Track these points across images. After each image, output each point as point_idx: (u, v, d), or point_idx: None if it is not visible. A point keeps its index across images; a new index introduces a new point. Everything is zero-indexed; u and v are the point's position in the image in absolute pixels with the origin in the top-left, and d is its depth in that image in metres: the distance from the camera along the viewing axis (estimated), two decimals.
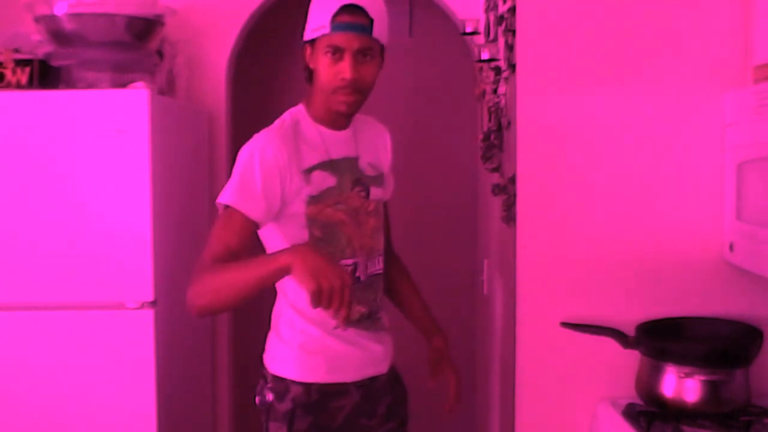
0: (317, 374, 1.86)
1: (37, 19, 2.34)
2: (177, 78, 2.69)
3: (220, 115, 2.89)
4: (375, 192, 1.93)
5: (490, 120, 2.37)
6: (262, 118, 3.49)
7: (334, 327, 1.82)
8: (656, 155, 1.96)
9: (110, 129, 2.18)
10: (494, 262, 2.65)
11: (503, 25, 2.11)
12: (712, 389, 1.80)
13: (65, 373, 2.22)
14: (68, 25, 2.31)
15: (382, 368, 1.95)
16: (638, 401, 1.90)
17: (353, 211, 1.88)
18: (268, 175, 1.78)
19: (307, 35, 1.81)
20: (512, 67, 2.04)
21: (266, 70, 3.45)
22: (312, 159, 1.83)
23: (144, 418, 2.22)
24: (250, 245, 1.81)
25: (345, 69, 1.76)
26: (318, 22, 1.77)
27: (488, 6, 2.34)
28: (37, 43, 2.39)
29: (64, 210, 2.21)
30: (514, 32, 2.02)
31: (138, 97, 2.19)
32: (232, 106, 2.98)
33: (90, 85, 2.35)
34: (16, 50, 2.37)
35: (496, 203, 2.29)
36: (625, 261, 1.98)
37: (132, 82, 2.32)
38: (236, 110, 3.08)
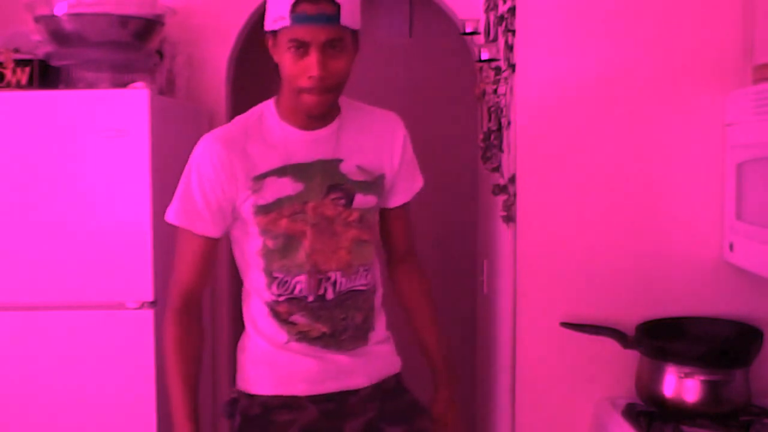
0: (262, 386, 1.73)
1: (37, 19, 2.34)
2: (177, 78, 2.69)
3: (220, 115, 2.88)
4: (361, 199, 1.70)
5: (490, 120, 2.37)
6: None
7: (285, 342, 1.71)
8: (656, 155, 1.96)
9: (110, 129, 2.18)
10: (494, 262, 2.65)
11: (503, 25, 2.11)
12: (712, 389, 1.80)
13: (65, 373, 2.22)
14: (68, 25, 2.31)
15: (355, 382, 1.73)
16: (638, 401, 1.90)
17: (325, 220, 1.68)
18: (208, 188, 1.65)
19: (267, 25, 1.59)
20: (512, 67, 2.04)
21: (266, 70, 3.45)
22: (266, 165, 1.65)
23: (144, 418, 2.21)
24: (213, 254, 1.76)
25: (311, 66, 1.54)
26: (277, 11, 1.55)
27: (488, 6, 2.34)
28: (37, 43, 2.39)
29: (64, 210, 2.21)
30: (514, 32, 2.02)
31: (138, 97, 2.19)
32: (232, 106, 2.98)
33: (90, 85, 2.35)
34: (16, 50, 2.37)
35: (496, 203, 2.29)
36: (625, 261, 1.98)
37: (132, 82, 2.32)
38: (236, 110, 3.07)
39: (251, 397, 1.73)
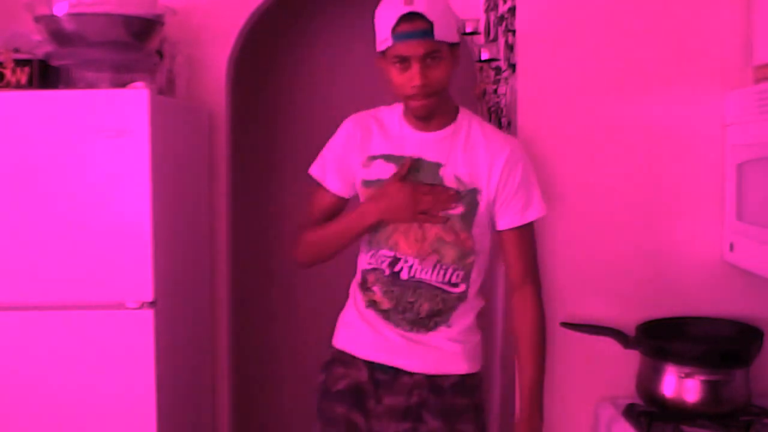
0: (337, 340, 2.00)
1: (37, 19, 2.34)
2: (177, 78, 2.68)
3: (220, 115, 2.88)
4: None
5: (490, 120, 2.37)
6: (262, 118, 3.51)
7: (364, 307, 1.94)
8: (656, 155, 1.96)
9: (110, 129, 2.18)
10: (494, 262, 2.64)
11: (503, 25, 2.11)
12: (712, 389, 1.80)
13: (65, 373, 2.22)
14: (68, 25, 2.31)
15: (407, 364, 1.90)
16: (638, 401, 1.90)
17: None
18: (340, 150, 1.94)
19: (378, 47, 1.84)
20: (512, 67, 2.04)
21: (266, 70, 3.45)
22: (380, 149, 1.90)
23: (144, 418, 2.21)
24: (333, 211, 1.98)
25: (414, 76, 1.78)
26: (382, 34, 1.80)
27: (488, 6, 2.34)
28: (37, 43, 2.39)
29: (63, 210, 2.21)
30: (514, 32, 2.02)
31: (138, 97, 2.19)
32: (232, 106, 2.98)
33: (90, 85, 2.34)
34: (16, 50, 2.37)
35: None
36: (626, 261, 1.98)
37: (132, 82, 2.31)
38: (236, 110, 3.08)
39: (330, 347, 2.01)
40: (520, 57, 2.00)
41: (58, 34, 2.33)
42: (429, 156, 1.87)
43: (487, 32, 2.35)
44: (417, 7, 1.74)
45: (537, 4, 1.97)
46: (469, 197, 1.86)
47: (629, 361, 1.93)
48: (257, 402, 3.52)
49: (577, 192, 1.98)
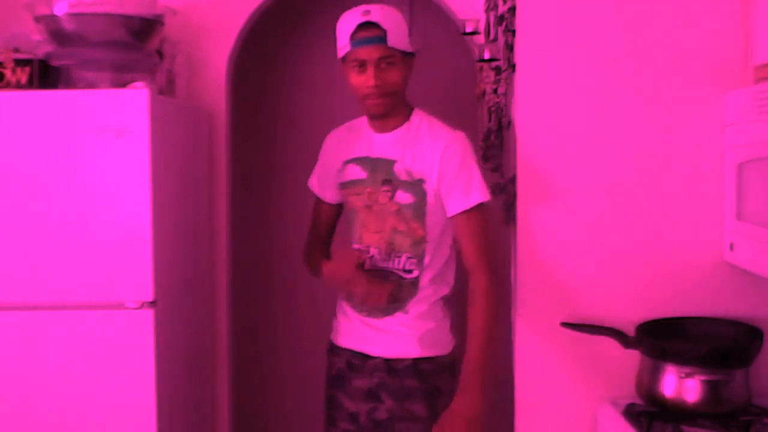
0: (332, 332, 2.26)
1: (37, 19, 2.34)
2: (177, 78, 2.68)
3: (220, 115, 2.88)
4: (401, 195, 2.08)
5: (490, 120, 2.37)
6: (262, 118, 3.51)
7: (342, 298, 2.21)
8: (656, 155, 1.96)
9: (110, 129, 2.18)
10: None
11: (503, 25, 2.11)
12: (712, 389, 1.80)
13: (65, 373, 2.22)
14: (68, 25, 2.30)
15: (367, 348, 2.13)
16: (638, 401, 1.90)
17: (377, 205, 2.11)
18: (324, 163, 2.26)
19: (338, 54, 2.05)
20: (512, 67, 2.04)
21: (266, 70, 3.45)
22: (352, 154, 2.17)
23: (144, 418, 2.21)
24: (330, 216, 2.29)
25: (369, 78, 2.00)
26: (342, 41, 2.02)
27: (488, 6, 2.34)
28: (37, 43, 2.38)
29: (63, 210, 2.20)
30: (514, 32, 2.02)
31: (138, 97, 2.19)
32: (232, 106, 2.98)
33: (90, 85, 2.34)
34: (16, 50, 2.36)
35: (496, 203, 2.29)
36: (625, 261, 1.98)
37: (132, 82, 2.31)
38: (236, 110, 3.08)
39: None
40: (520, 57, 2.00)
41: (58, 34, 2.32)
42: (386, 154, 2.10)
43: (487, 32, 2.34)
44: (373, 17, 1.97)
45: (537, 4, 1.97)
46: (417, 187, 2.06)
47: (629, 361, 1.93)
48: (257, 402, 3.52)
49: (577, 192, 1.98)
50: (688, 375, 1.80)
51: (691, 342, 1.89)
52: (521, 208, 2.02)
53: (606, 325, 1.93)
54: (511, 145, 2.10)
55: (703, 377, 1.79)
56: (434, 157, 2.04)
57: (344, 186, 2.18)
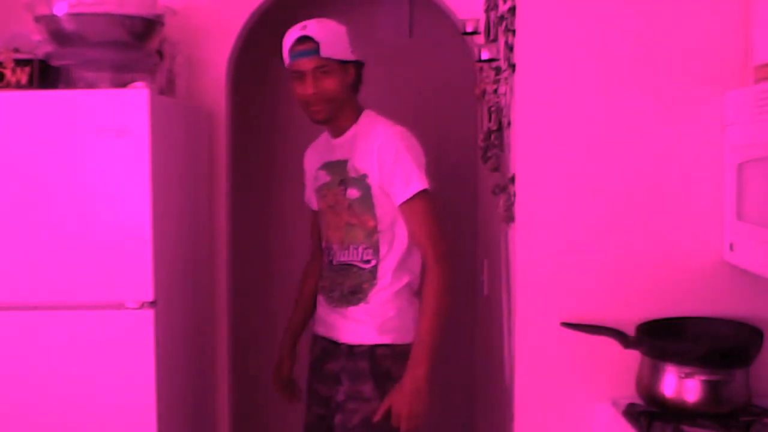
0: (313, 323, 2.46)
1: (37, 19, 2.34)
2: (177, 78, 2.68)
3: (220, 115, 2.88)
4: (351, 192, 2.24)
5: (490, 120, 2.37)
6: (262, 118, 3.51)
7: (319, 292, 2.39)
8: (656, 155, 1.96)
9: (110, 129, 2.18)
10: (494, 262, 2.65)
11: (503, 25, 2.11)
12: (712, 389, 1.80)
13: (65, 373, 2.22)
14: (68, 25, 2.31)
15: (337, 335, 2.29)
16: (638, 401, 1.90)
17: (337, 204, 2.28)
18: (306, 175, 2.46)
19: (285, 67, 2.24)
20: (512, 67, 2.04)
21: (266, 70, 3.45)
22: (321, 160, 2.35)
23: (144, 418, 2.21)
24: (316, 222, 2.44)
25: (307, 87, 2.20)
26: (284, 55, 2.23)
27: (488, 6, 2.34)
28: (37, 43, 2.38)
29: (63, 210, 2.20)
30: (514, 32, 2.02)
31: (138, 97, 2.19)
32: (232, 106, 2.98)
33: (90, 85, 2.34)
34: (16, 50, 2.36)
35: (496, 203, 2.29)
36: (625, 261, 1.98)
37: (132, 82, 2.31)
38: (236, 110, 3.08)
39: None
40: (520, 57, 2.00)
41: (58, 34, 2.33)
42: (341, 156, 2.27)
43: (487, 32, 2.34)
44: (307, 32, 2.17)
45: (537, 4, 1.97)
46: (362, 182, 2.22)
47: (629, 361, 1.93)
48: (257, 402, 3.52)
49: (577, 191, 1.98)
50: (688, 375, 1.80)
51: (691, 342, 1.89)
52: (521, 208, 2.02)
53: (606, 325, 1.92)
54: (511, 145, 2.10)
55: (703, 377, 1.79)
56: (372, 152, 2.20)
57: (317, 191, 2.37)
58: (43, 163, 2.20)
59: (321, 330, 2.36)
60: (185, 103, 2.72)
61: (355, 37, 2.27)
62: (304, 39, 2.18)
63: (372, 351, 2.22)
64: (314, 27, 2.19)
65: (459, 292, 3.49)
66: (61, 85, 2.36)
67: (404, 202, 2.19)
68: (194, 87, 2.80)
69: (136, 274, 2.20)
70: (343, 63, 2.22)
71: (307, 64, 2.18)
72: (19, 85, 2.32)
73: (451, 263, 2.22)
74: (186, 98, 2.74)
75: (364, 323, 2.24)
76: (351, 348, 2.25)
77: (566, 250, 1.99)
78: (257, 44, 3.21)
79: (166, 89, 2.61)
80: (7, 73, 2.32)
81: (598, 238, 1.98)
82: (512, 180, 2.08)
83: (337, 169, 2.28)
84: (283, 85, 3.54)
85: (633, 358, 1.92)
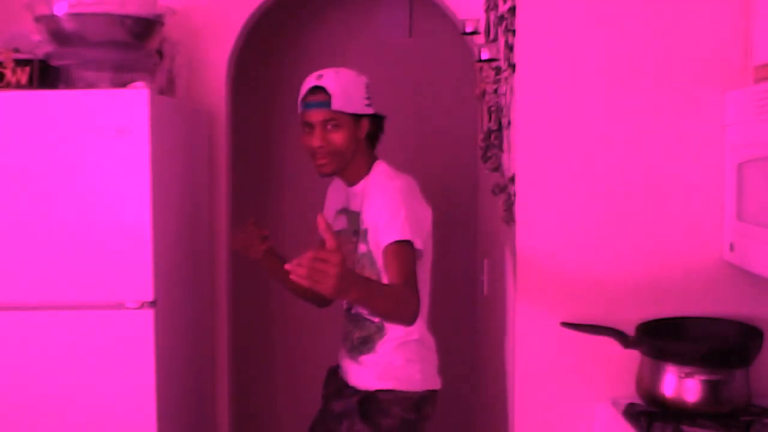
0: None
1: (37, 19, 2.34)
2: (177, 78, 2.68)
3: (220, 115, 2.88)
4: (360, 246, 2.19)
5: (490, 120, 2.37)
6: (262, 118, 3.51)
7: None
8: (656, 155, 1.97)
9: (110, 129, 2.18)
10: (494, 262, 2.65)
11: (503, 25, 2.11)
12: (712, 389, 1.80)
13: (65, 373, 2.22)
14: (68, 25, 2.30)
15: (347, 378, 2.28)
16: (638, 401, 1.90)
17: (350, 255, 2.16)
18: (326, 209, 2.37)
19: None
20: (512, 67, 2.04)
21: (266, 70, 3.45)
22: (339, 204, 2.31)
23: (144, 418, 2.21)
24: None
25: (314, 139, 2.14)
26: (298, 103, 2.18)
27: (488, 6, 2.34)
28: (37, 43, 2.38)
29: (63, 210, 2.20)
30: (514, 32, 2.02)
31: (138, 96, 2.19)
32: (232, 106, 2.98)
33: (90, 85, 2.34)
34: (16, 50, 2.36)
35: (496, 203, 2.29)
36: (625, 261, 1.98)
37: (132, 81, 2.31)
38: (236, 110, 3.08)
39: None
40: (520, 57, 2.00)
41: (58, 34, 2.32)
42: (355, 207, 2.23)
43: (487, 32, 2.34)
44: (322, 82, 2.11)
45: (537, 4, 1.97)
46: (365, 237, 2.16)
47: (629, 361, 1.93)
48: (257, 402, 3.52)
49: (577, 191, 1.98)
50: (688, 375, 1.80)
51: (691, 342, 1.89)
52: (521, 208, 2.02)
53: (606, 325, 1.92)
54: (511, 145, 2.10)
55: (703, 377, 1.79)
56: (373, 209, 2.13)
57: (336, 234, 2.16)
58: (43, 163, 2.20)
59: (340, 371, 2.35)
60: (185, 103, 2.72)
61: (374, 88, 2.21)
62: (316, 89, 2.12)
63: (375, 396, 2.19)
64: (329, 77, 2.13)
65: (459, 292, 3.51)
66: (61, 85, 2.36)
67: (387, 246, 2.02)
68: (194, 87, 2.80)
69: (135, 274, 2.20)
70: (356, 116, 2.16)
71: (317, 116, 2.13)
72: (19, 85, 2.32)
73: (414, 319, 1.97)
74: (186, 98, 2.74)
75: (367, 370, 2.22)
76: (356, 391, 2.23)
77: (566, 250, 1.99)
78: (257, 44, 3.21)
79: (166, 89, 2.61)
80: (7, 73, 2.32)
81: (598, 237, 1.98)
82: (512, 180, 2.08)
83: (353, 219, 2.24)
84: (283, 85, 3.55)
85: (633, 358, 1.92)
